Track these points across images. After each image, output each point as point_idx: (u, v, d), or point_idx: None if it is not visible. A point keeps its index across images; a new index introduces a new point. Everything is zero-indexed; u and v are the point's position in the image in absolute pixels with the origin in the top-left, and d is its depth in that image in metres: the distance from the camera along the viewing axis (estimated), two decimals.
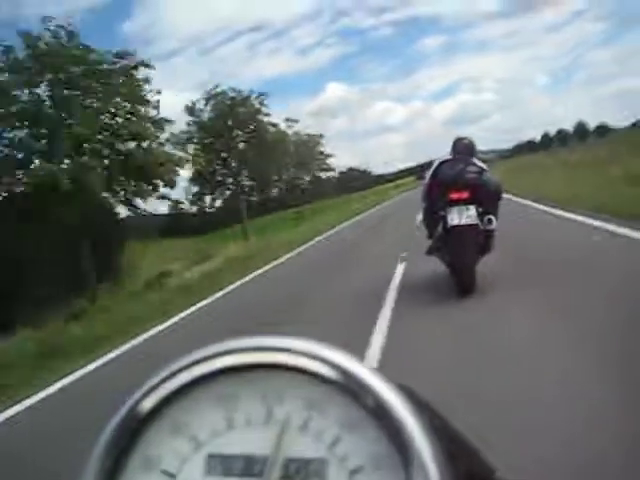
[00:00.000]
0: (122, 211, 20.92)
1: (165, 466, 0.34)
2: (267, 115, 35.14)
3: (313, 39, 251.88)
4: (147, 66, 19.99)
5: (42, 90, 18.49)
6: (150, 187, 19.87)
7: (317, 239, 17.79)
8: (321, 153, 64.11)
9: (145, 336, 6.99)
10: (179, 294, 10.71)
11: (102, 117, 18.99)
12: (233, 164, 35.46)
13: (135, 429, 0.34)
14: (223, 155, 34.82)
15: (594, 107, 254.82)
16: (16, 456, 3.47)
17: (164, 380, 0.34)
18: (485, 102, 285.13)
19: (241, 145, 35.35)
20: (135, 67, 19.69)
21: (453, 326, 4.26)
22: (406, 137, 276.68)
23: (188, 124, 33.31)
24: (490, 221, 5.02)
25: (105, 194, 19.07)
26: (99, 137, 18.59)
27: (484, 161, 5.57)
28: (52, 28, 18.19)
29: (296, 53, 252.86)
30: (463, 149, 5.34)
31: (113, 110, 19.30)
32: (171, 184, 20.82)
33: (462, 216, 4.87)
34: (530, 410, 2.55)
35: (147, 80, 19.91)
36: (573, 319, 3.79)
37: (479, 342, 3.75)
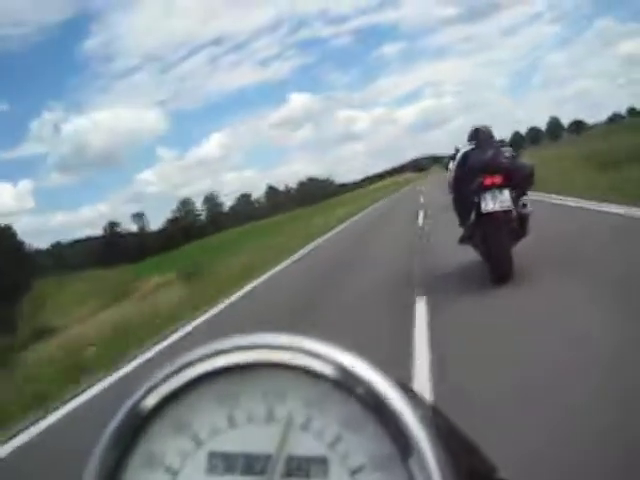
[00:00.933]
0: (34, 242, 18.53)
1: (167, 463, 0.34)
2: None
3: (273, 50, 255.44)
4: None
5: None
6: None
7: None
8: None
9: None
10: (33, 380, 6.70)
11: None
12: None
13: (137, 427, 0.34)
14: None
15: (554, 108, 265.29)
16: None
17: (166, 378, 0.34)
18: (447, 106, 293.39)
19: None
20: None
21: None
22: (370, 144, 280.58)
23: None
24: (525, 205, 5.03)
25: None
26: None
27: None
28: None
29: (257, 65, 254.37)
30: (487, 136, 5.38)
31: None
32: None
33: (496, 201, 4.81)
34: None
35: None
36: None
37: None
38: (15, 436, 4.47)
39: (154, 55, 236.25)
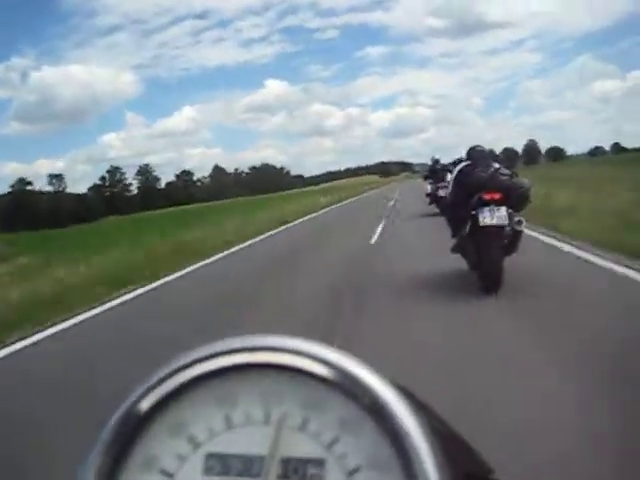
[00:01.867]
0: None
1: (164, 465, 0.34)
2: None
3: (258, 33, 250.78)
4: None
5: None
6: None
7: None
8: None
9: None
10: None
11: None
12: None
13: (134, 428, 0.34)
14: None
15: (527, 133, 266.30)
16: None
17: (163, 380, 0.34)
18: (421, 116, 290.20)
19: None
20: None
21: None
22: (339, 142, 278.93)
23: None
24: (520, 222, 5.24)
25: None
26: None
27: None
28: None
29: (239, 45, 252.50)
30: (485, 156, 5.77)
31: None
32: None
33: (493, 216, 5.10)
34: None
35: None
36: None
37: None
38: None
39: (137, 18, 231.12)
